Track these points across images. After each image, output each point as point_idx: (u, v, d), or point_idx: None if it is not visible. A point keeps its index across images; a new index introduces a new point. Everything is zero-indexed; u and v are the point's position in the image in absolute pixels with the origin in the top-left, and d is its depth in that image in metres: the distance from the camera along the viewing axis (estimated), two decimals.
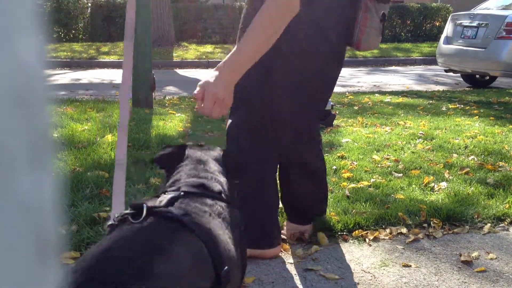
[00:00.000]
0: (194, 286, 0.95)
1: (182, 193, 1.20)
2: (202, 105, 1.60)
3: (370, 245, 2.28)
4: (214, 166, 1.37)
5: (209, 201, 1.21)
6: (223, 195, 1.28)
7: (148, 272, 0.86)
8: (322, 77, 2.05)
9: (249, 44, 1.61)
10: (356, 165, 3.32)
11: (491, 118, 5.06)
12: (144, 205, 1.05)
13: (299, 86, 2.00)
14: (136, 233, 0.98)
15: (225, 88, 1.59)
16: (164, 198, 1.16)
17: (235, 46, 1.70)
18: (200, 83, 1.64)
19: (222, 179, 1.34)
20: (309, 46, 1.95)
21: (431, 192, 2.87)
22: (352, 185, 2.95)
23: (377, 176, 3.11)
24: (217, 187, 1.28)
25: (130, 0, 1.62)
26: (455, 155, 3.62)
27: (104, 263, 0.87)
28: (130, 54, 1.55)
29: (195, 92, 1.64)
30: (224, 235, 1.15)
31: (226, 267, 1.07)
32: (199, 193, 1.22)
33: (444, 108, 5.65)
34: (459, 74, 8.28)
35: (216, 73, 1.61)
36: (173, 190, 1.22)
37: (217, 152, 1.44)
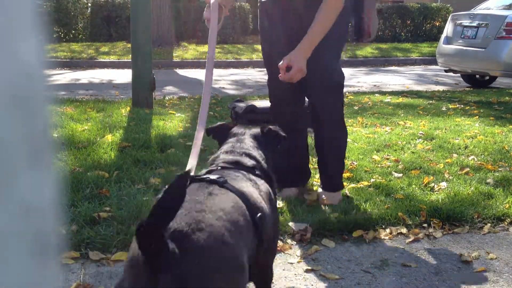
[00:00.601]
0: (237, 222, 1.18)
1: (219, 167, 1.48)
2: (286, 73, 2.36)
3: (370, 245, 2.28)
4: (249, 142, 1.65)
5: (243, 172, 1.46)
6: (255, 169, 1.53)
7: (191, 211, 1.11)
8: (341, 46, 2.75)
9: (317, 33, 2.43)
10: (356, 165, 3.32)
11: (491, 118, 5.06)
12: (190, 169, 1.41)
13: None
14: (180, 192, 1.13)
15: (305, 63, 2.38)
16: (204, 171, 1.48)
17: (309, 33, 2.43)
18: (286, 57, 2.37)
19: (256, 153, 1.60)
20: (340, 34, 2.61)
21: (431, 192, 2.87)
22: (352, 185, 2.95)
23: (377, 176, 3.11)
24: (250, 162, 1.55)
25: (212, 28, 2.41)
26: (455, 155, 3.62)
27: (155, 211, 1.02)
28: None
29: (281, 63, 2.37)
30: (255, 193, 1.39)
31: (260, 214, 1.31)
32: (233, 168, 1.48)
33: (444, 108, 5.65)
34: (459, 74, 8.27)
35: (298, 51, 2.38)
36: (213, 167, 1.51)
37: (257, 129, 1.72)
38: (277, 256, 2.16)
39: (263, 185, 1.49)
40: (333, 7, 2.47)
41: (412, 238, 2.35)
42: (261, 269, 1.41)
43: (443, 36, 8.20)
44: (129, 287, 1.04)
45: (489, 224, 2.51)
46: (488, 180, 3.05)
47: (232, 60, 11.09)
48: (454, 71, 7.98)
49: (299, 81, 2.46)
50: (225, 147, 1.64)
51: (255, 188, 1.41)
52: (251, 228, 1.26)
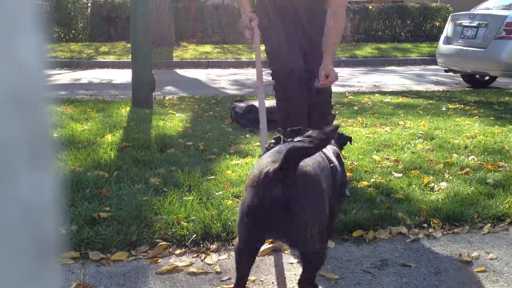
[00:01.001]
0: (324, 167, 1.80)
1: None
2: (325, 81, 2.76)
3: (370, 245, 2.28)
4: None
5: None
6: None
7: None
8: None
9: (334, 45, 2.83)
10: (356, 165, 3.32)
11: (491, 118, 5.06)
12: (281, 136, 1.96)
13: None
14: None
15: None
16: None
17: (327, 47, 2.81)
18: (323, 68, 2.75)
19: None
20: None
21: (431, 192, 2.87)
22: (352, 185, 2.95)
23: (377, 176, 3.11)
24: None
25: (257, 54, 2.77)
26: (455, 155, 3.62)
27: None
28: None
29: (323, 72, 2.75)
30: (330, 152, 1.98)
31: (332, 164, 1.90)
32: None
33: (444, 108, 5.65)
34: (459, 74, 8.27)
35: (328, 62, 2.77)
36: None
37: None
38: (277, 256, 2.16)
39: (333, 148, 2.08)
40: (343, 15, 2.86)
41: (412, 238, 2.35)
42: (333, 213, 1.93)
43: (443, 36, 8.19)
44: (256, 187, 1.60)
45: (489, 224, 2.51)
46: (488, 180, 3.05)
47: (232, 60, 11.09)
48: (454, 71, 7.98)
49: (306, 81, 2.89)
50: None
51: (328, 149, 1.97)
52: (329, 172, 1.87)
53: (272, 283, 1.96)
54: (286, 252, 2.20)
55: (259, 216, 1.60)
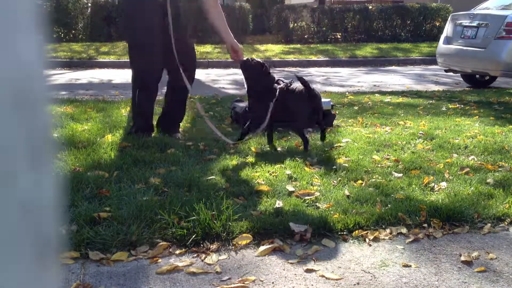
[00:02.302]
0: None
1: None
2: (237, 55, 4.04)
3: (370, 245, 2.28)
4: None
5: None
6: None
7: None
8: None
9: (226, 28, 4.07)
10: (356, 164, 3.32)
11: (491, 118, 5.06)
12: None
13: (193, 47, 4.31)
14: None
15: None
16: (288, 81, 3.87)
17: (222, 31, 4.11)
18: (233, 45, 4.04)
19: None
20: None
21: (431, 192, 2.87)
22: (353, 184, 2.95)
23: (377, 176, 3.11)
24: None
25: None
26: (455, 155, 3.62)
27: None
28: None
29: (239, 49, 4.09)
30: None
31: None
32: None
33: (444, 108, 5.65)
34: (459, 74, 8.27)
35: (232, 42, 4.06)
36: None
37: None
38: (277, 256, 2.17)
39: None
40: (219, 7, 4.11)
41: (412, 238, 2.35)
42: None
43: (443, 36, 8.19)
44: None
45: (489, 224, 2.51)
46: (488, 180, 3.05)
47: (232, 60, 11.08)
48: (454, 71, 7.98)
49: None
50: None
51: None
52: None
53: (272, 283, 1.96)
54: (286, 252, 2.20)
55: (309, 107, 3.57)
